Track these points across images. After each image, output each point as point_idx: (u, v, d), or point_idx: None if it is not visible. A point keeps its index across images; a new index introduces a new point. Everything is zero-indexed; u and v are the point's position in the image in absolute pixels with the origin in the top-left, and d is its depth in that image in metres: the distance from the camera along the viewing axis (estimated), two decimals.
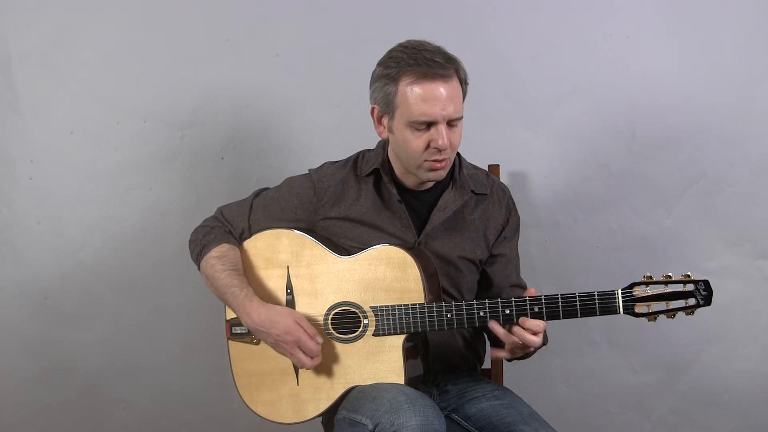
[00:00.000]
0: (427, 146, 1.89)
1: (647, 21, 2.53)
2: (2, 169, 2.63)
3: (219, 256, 2.02)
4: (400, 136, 1.91)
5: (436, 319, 1.88)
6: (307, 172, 2.09)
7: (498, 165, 2.35)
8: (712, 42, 2.50)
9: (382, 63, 1.93)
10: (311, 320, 1.97)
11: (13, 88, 2.60)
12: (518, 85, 2.56)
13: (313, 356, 1.92)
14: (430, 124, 1.88)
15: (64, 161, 2.62)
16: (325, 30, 2.58)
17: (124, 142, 2.62)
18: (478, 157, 2.17)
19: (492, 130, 2.53)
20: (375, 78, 1.94)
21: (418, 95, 1.86)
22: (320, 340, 1.92)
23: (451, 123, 1.89)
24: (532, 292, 1.86)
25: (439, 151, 1.89)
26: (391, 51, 1.93)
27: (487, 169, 2.23)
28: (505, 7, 2.55)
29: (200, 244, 2.06)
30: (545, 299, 1.83)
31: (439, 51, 1.89)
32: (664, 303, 1.79)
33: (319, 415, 1.99)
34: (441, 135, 1.87)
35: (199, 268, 2.07)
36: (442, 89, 1.86)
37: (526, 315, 1.84)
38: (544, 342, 1.95)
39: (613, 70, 2.53)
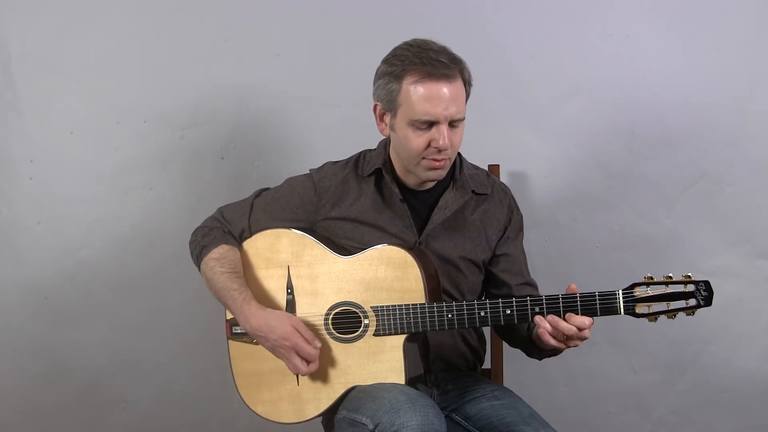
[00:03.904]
0: (428, 145, 1.89)
1: (647, 21, 2.53)
2: (2, 169, 2.62)
3: (218, 257, 2.01)
4: (401, 134, 1.91)
5: (436, 319, 1.88)
6: (308, 172, 2.09)
7: (498, 165, 2.36)
8: (712, 42, 2.50)
9: (387, 60, 1.92)
10: (311, 321, 1.97)
11: (13, 88, 2.60)
12: (518, 85, 2.56)
13: (310, 361, 1.91)
14: (431, 124, 1.88)
15: (64, 161, 2.62)
16: (325, 30, 2.58)
17: (124, 142, 2.62)
18: (478, 157, 2.17)
19: (492, 130, 2.53)
20: (379, 75, 1.94)
21: (421, 94, 1.86)
22: (318, 344, 1.92)
23: (452, 123, 1.89)
24: (573, 288, 1.83)
25: (439, 150, 1.89)
26: (396, 49, 1.93)
27: (487, 169, 2.23)
28: (505, 6, 2.55)
29: (199, 245, 2.06)
30: (546, 299, 1.83)
31: (444, 51, 1.89)
32: (664, 303, 1.79)
33: (319, 415, 1.99)
34: (442, 135, 1.87)
35: (199, 269, 2.07)
36: (445, 89, 1.86)
37: (526, 315, 1.84)
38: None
39: (613, 70, 2.54)
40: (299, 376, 1.97)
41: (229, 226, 2.07)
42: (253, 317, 1.93)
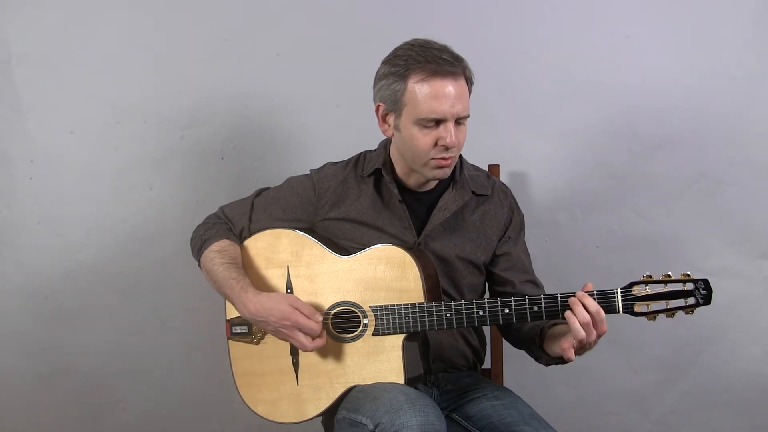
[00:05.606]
0: (435, 144, 1.89)
1: (647, 21, 2.52)
2: (2, 169, 2.63)
3: (219, 250, 2.02)
4: (407, 134, 1.91)
5: (435, 318, 1.88)
6: (309, 172, 2.09)
7: (498, 165, 2.36)
8: (712, 42, 2.50)
9: (388, 61, 1.92)
10: None
11: (13, 88, 2.60)
12: (518, 86, 2.56)
13: (314, 335, 1.91)
14: (438, 122, 1.88)
15: (64, 161, 2.62)
16: (325, 30, 2.58)
17: (124, 142, 2.62)
18: (478, 157, 2.17)
19: (492, 130, 2.53)
20: (380, 76, 1.94)
21: (428, 93, 1.86)
22: (320, 318, 1.91)
23: (458, 121, 1.89)
24: (589, 287, 1.81)
25: (447, 149, 1.89)
26: (397, 49, 1.93)
27: (487, 169, 2.23)
28: (505, 6, 2.55)
29: (201, 239, 2.06)
30: (544, 299, 1.83)
31: (445, 49, 1.90)
32: (663, 302, 1.78)
33: (319, 415, 1.99)
34: (449, 132, 1.87)
35: (199, 264, 2.07)
36: (451, 87, 1.86)
37: (525, 315, 1.84)
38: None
39: (613, 69, 2.53)
40: (299, 376, 1.98)
41: (231, 224, 2.07)
42: (250, 303, 1.93)
